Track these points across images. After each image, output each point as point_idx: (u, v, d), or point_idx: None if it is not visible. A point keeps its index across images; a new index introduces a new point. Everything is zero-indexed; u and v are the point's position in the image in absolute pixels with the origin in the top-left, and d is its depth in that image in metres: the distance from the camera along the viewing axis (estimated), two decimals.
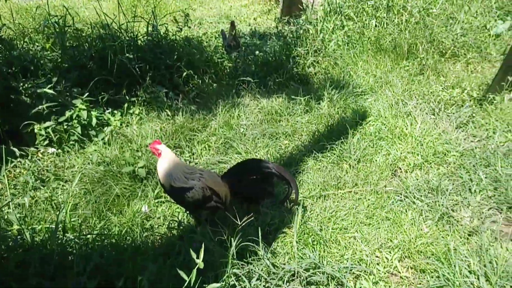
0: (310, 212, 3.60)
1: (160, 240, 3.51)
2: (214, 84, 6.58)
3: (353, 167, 4.24)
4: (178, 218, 3.73)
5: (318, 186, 3.93)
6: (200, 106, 5.84)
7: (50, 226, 3.36)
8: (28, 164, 4.45)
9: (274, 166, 3.35)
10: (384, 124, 4.87)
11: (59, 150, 4.78)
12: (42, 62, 5.92)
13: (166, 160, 3.39)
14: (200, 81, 6.49)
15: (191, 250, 2.50)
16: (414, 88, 5.58)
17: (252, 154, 4.59)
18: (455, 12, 6.84)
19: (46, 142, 4.76)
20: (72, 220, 3.60)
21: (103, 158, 4.51)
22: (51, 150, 4.77)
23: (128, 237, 3.47)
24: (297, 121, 5.22)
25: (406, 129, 4.75)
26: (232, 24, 8.04)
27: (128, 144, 4.79)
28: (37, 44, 6.70)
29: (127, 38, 6.40)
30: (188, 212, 3.71)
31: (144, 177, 4.28)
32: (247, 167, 3.51)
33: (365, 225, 3.44)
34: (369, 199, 3.75)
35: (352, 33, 6.73)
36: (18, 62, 5.62)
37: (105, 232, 3.45)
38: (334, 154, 4.39)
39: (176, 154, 4.61)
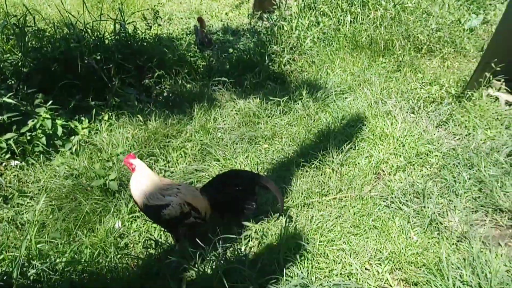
0: (295, 223, 3.44)
1: (136, 261, 3.27)
2: (188, 85, 6.30)
3: (336, 171, 4.10)
4: (154, 236, 3.50)
5: (302, 193, 3.77)
6: (173, 109, 5.57)
7: (14, 254, 3.06)
8: None
9: (255, 176, 3.16)
10: (365, 125, 4.76)
11: (23, 163, 4.44)
12: (1, 65, 5.52)
13: (140, 175, 3.15)
14: (172, 82, 6.21)
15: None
16: (392, 86, 5.49)
17: (231, 161, 4.38)
18: (430, 6, 6.80)
19: (8, 155, 4.39)
20: (38, 244, 3.31)
21: (71, 171, 4.21)
22: (14, 163, 4.42)
23: (101, 260, 3.21)
24: (276, 123, 5.04)
25: (387, 129, 4.65)
26: (200, 20, 7.75)
27: (98, 154, 4.50)
28: None
29: (93, 38, 6.04)
30: (165, 229, 3.48)
31: (116, 190, 4.02)
32: (227, 178, 3.30)
33: (353, 235, 3.31)
34: (354, 206, 3.63)
35: (328, 29, 6.58)
36: None
37: (76, 257, 3.18)
38: (316, 158, 4.23)
39: (150, 166, 4.37)
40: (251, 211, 3.32)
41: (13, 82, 5.12)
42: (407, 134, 4.52)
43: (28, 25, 5.98)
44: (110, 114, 5.26)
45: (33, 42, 6.00)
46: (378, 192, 3.82)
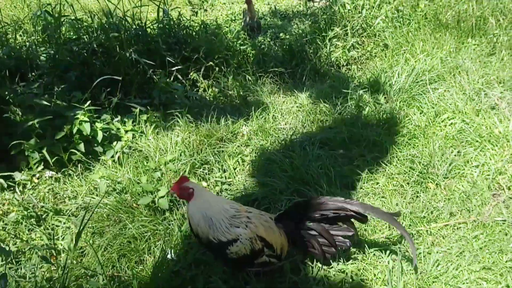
0: (402, 263, 2.60)
1: None
2: (239, 77, 5.51)
3: (440, 186, 3.21)
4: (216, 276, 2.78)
5: (403, 219, 2.91)
6: (225, 107, 4.82)
7: None
8: (19, 196, 3.51)
9: (356, 205, 2.34)
10: (466, 123, 3.80)
11: (59, 174, 3.83)
12: (35, 61, 4.96)
13: (200, 202, 2.42)
14: (222, 75, 5.45)
15: None
16: (490, 73, 4.47)
17: (301, 170, 3.57)
18: None
19: (41, 166, 3.80)
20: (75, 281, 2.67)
21: (114, 185, 3.55)
22: (48, 173, 3.82)
23: None
24: (350, 122, 4.17)
25: (496, 128, 3.69)
26: (249, 2, 6.87)
27: (144, 163, 3.82)
28: (28, 39, 5.69)
29: (134, 27, 5.37)
30: (230, 269, 2.74)
31: (166, 209, 3.33)
32: (312, 207, 2.50)
33: (485, 281, 2.43)
34: (476, 237, 2.74)
35: (404, 7, 5.57)
36: (6, 62, 4.66)
37: None
38: (413, 169, 3.35)
39: (204, 176, 3.65)
40: (344, 247, 2.52)
41: (45, 79, 4.53)
42: None
43: (64, 14, 5.37)
44: (156, 114, 4.57)
45: (70, 33, 5.41)
46: (504, 215, 2.90)
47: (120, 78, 4.69)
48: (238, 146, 4.06)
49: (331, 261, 2.61)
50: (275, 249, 2.50)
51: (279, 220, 2.57)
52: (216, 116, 4.48)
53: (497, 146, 3.51)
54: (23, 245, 3.17)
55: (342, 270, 2.58)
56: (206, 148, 4.02)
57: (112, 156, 3.96)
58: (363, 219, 2.38)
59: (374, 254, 2.69)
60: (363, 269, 2.57)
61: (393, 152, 3.62)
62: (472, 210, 2.95)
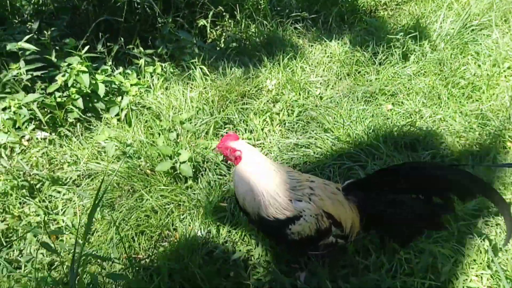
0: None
1: None
2: (253, 25, 4.80)
3: None
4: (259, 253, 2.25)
5: None
6: (243, 58, 4.15)
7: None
8: (6, 162, 2.87)
9: (461, 175, 1.77)
10: None
11: (53, 135, 3.20)
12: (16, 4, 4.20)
13: (249, 169, 1.84)
14: (234, 22, 4.73)
15: None
16: None
17: (348, 130, 3.00)
18: None
19: (32, 124, 3.16)
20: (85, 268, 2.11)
21: (123, 148, 2.94)
22: (40, 134, 3.19)
23: None
24: (395, 74, 3.57)
25: None
26: None
27: (157, 122, 3.19)
28: None
29: None
30: (287, 252, 2.19)
31: (190, 176, 2.75)
32: (399, 174, 1.91)
33: None
34: None
35: None
36: None
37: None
38: (483, 125, 2.81)
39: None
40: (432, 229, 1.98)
41: (31, 24, 3.79)
42: None
43: None
44: (163, 65, 3.90)
45: None
46: None
47: (121, 20, 3.97)
48: (266, 102, 3.44)
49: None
50: (344, 227, 1.96)
51: (348, 191, 2.01)
52: (235, 68, 3.84)
53: None
54: (14, 221, 2.58)
55: (421, 250, 2.06)
56: (228, 105, 3.41)
57: (117, 114, 3.32)
58: (469, 197, 1.81)
59: (460, 232, 2.17)
60: (456, 249, 2.05)
61: (455, 107, 3.05)
62: None
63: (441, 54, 3.62)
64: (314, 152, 2.92)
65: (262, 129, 3.24)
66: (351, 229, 1.99)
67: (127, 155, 2.89)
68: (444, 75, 3.41)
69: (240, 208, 1.93)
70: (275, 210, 1.82)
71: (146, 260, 2.34)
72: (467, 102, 3.10)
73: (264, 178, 1.84)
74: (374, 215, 1.96)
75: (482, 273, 1.93)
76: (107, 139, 2.90)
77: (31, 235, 2.46)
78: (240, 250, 2.30)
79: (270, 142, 3.11)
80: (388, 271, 2.05)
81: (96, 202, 1.71)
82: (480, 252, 2.01)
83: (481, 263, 1.97)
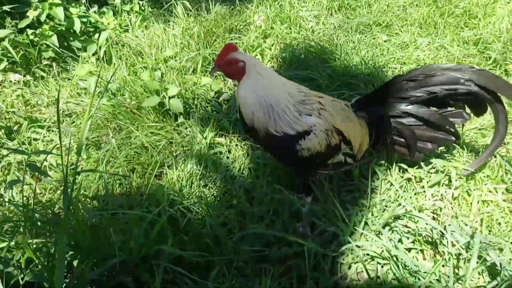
0: None
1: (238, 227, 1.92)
2: None
3: None
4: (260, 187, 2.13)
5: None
6: None
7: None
8: None
9: (484, 77, 1.66)
10: None
11: (27, 77, 2.93)
12: None
13: (255, 82, 1.68)
14: None
15: None
16: None
17: (346, 61, 2.87)
18: None
19: (5, 63, 2.88)
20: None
21: (105, 85, 2.72)
22: (13, 77, 2.91)
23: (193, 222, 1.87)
24: (388, 5, 3.42)
25: None
26: None
27: (139, 60, 2.97)
28: None
29: None
30: (295, 172, 2.07)
31: (181, 113, 2.57)
32: (410, 83, 1.79)
33: None
34: None
35: None
36: None
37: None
38: (482, 51, 2.72)
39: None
40: (446, 143, 1.88)
41: None
42: None
43: None
44: (141, 3, 3.62)
45: None
46: None
47: None
48: (255, 38, 3.24)
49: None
50: (353, 146, 1.85)
51: (358, 107, 1.89)
52: (219, 4, 3.60)
53: None
54: None
55: (432, 167, 1.98)
56: (215, 40, 3.20)
57: (96, 53, 3.07)
58: (487, 99, 1.70)
59: (470, 147, 2.11)
60: (468, 165, 1.97)
61: (452, 34, 2.94)
62: None
63: None
64: (311, 84, 2.78)
65: None
66: (360, 146, 1.88)
67: (110, 92, 2.67)
68: (438, 5, 3.28)
69: (247, 127, 1.77)
70: (284, 124, 1.68)
71: (140, 194, 2.18)
72: (464, 30, 2.99)
73: (272, 90, 1.69)
74: (383, 129, 1.85)
75: (496, 187, 1.87)
76: (87, 74, 2.66)
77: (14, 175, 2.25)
78: (242, 179, 2.17)
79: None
80: (396, 191, 1.97)
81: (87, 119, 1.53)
82: (493, 168, 1.95)
83: (495, 178, 1.91)
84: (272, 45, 3.14)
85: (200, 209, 2.00)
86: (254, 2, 3.60)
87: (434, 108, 1.80)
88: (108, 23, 3.19)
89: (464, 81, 1.67)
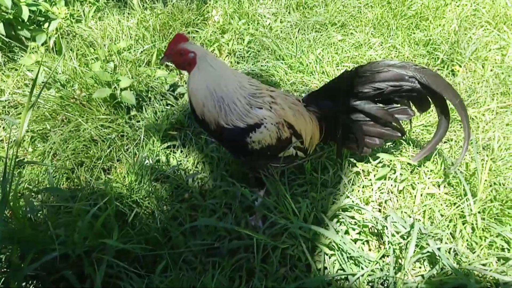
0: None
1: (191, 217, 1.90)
2: None
3: (469, 69, 2.74)
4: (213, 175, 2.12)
5: None
6: None
7: None
8: None
9: (429, 76, 1.72)
10: (477, 4, 3.32)
11: None
12: None
13: (205, 73, 1.66)
14: None
15: None
16: None
17: (300, 59, 2.90)
18: None
19: None
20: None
21: (54, 76, 2.61)
22: None
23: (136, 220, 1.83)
24: (344, 5, 3.50)
25: (507, 10, 3.26)
26: None
27: (91, 51, 2.87)
28: None
29: None
30: (246, 165, 2.07)
31: (133, 105, 2.51)
32: (359, 78, 1.83)
33: None
34: None
35: None
36: None
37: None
38: (432, 52, 2.83)
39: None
40: (394, 138, 1.94)
41: None
42: None
43: None
44: None
45: None
46: None
47: None
48: (213, 32, 3.22)
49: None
50: (304, 138, 1.87)
51: (309, 102, 1.91)
52: None
53: None
54: None
55: (384, 163, 2.03)
56: (171, 33, 3.15)
57: (45, 42, 2.94)
58: (431, 97, 1.76)
59: (415, 142, 2.19)
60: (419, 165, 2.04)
61: (404, 35, 3.04)
62: (510, 93, 2.52)
63: None
64: (267, 81, 2.79)
65: None
66: (310, 140, 1.91)
67: (59, 83, 2.57)
68: (392, 7, 3.38)
69: (197, 119, 1.75)
70: (235, 117, 1.68)
71: (90, 188, 2.11)
72: (415, 32, 3.10)
73: (223, 82, 1.68)
74: (332, 124, 1.89)
75: (439, 181, 1.95)
76: (34, 64, 2.54)
77: None
78: (195, 172, 2.15)
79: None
80: (345, 184, 2.01)
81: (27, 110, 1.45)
82: (436, 162, 2.03)
83: (437, 173, 1.99)
84: (230, 40, 3.13)
85: (149, 203, 1.96)
86: None
87: (381, 104, 1.85)
88: (59, 13, 3.06)
89: (408, 78, 1.72)
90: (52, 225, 1.61)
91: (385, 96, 1.80)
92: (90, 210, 1.65)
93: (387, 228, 1.62)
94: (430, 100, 1.79)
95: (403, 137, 1.93)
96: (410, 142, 2.19)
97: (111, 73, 2.56)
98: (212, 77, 1.66)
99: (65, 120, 2.45)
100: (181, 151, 2.35)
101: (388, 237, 1.61)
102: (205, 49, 1.73)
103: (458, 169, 1.83)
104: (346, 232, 1.77)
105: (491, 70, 2.71)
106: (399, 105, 1.86)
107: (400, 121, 1.86)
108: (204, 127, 1.76)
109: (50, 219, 1.67)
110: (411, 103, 1.86)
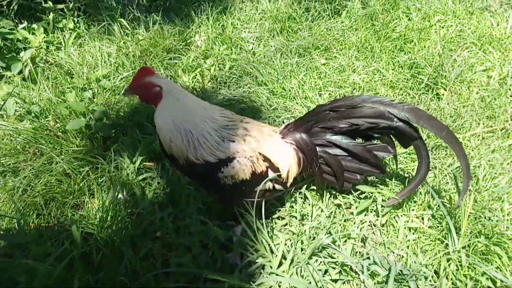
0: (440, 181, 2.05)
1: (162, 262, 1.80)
2: None
3: (455, 92, 2.68)
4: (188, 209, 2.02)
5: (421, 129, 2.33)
6: (167, 14, 3.81)
7: None
8: None
9: (406, 111, 1.63)
10: (462, 25, 3.29)
11: None
12: None
13: (172, 107, 1.59)
14: None
15: None
16: None
17: (283, 84, 2.84)
18: None
19: None
20: None
21: (28, 107, 2.54)
22: None
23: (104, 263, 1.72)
24: (327, 28, 3.46)
25: (493, 30, 3.23)
26: None
27: (67, 80, 2.81)
28: None
29: None
30: (220, 201, 1.98)
31: (108, 135, 2.43)
32: (338, 112, 1.75)
33: None
34: None
35: None
36: None
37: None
38: (416, 75, 2.78)
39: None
40: (374, 174, 1.85)
41: None
42: None
43: None
44: (76, 20, 3.46)
45: None
46: None
47: None
48: (195, 58, 3.17)
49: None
50: (281, 172, 1.79)
51: (287, 133, 1.84)
52: (158, 23, 3.50)
53: (498, 48, 3.05)
54: None
55: (367, 195, 1.95)
56: (152, 60, 3.09)
57: (21, 72, 2.88)
58: (410, 134, 1.66)
59: (399, 176, 2.10)
60: (395, 192, 1.96)
61: (388, 58, 2.99)
62: (495, 117, 2.46)
63: (372, 9, 3.55)
64: (248, 107, 2.73)
65: (193, 87, 2.98)
66: (288, 173, 1.82)
67: (32, 114, 2.49)
68: (376, 29, 3.35)
69: (166, 154, 1.67)
70: (205, 151, 1.60)
71: (59, 226, 2.01)
72: (399, 55, 3.06)
73: (191, 116, 1.60)
74: (311, 158, 1.80)
75: (422, 214, 1.86)
76: (6, 95, 2.47)
77: None
78: (168, 210, 2.05)
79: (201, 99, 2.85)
80: (327, 218, 1.92)
81: None
82: (420, 193, 1.94)
83: (421, 204, 1.91)
84: (212, 66, 3.07)
85: (120, 242, 1.85)
86: (196, 21, 3.53)
87: (360, 140, 1.78)
88: (34, 41, 3.00)
89: (386, 115, 1.65)
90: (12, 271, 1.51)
91: (363, 132, 1.73)
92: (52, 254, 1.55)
93: (363, 273, 1.52)
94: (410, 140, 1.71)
95: (383, 174, 1.83)
96: (392, 171, 2.11)
97: (87, 103, 2.48)
98: (179, 111, 1.59)
99: (37, 153, 2.36)
100: (158, 183, 2.26)
101: (364, 283, 1.52)
102: (172, 82, 1.66)
103: (441, 202, 1.74)
104: (326, 272, 1.67)
105: (477, 93, 2.65)
106: (379, 142, 1.78)
107: (380, 159, 1.78)
108: (173, 162, 1.67)
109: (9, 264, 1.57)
110: (393, 140, 1.78)
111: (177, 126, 1.57)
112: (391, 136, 1.77)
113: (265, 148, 1.72)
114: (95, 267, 1.72)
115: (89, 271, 1.68)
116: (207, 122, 1.62)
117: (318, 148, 1.81)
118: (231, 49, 3.26)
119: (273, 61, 3.05)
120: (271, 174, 1.76)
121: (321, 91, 2.78)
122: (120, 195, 2.15)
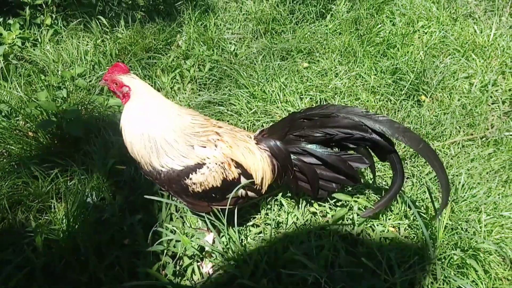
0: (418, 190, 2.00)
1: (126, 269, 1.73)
2: None
3: (436, 99, 2.66)
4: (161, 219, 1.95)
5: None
6: (149, 12, 3.73)
7: None
8: None
9: (382, 123, 1.57)
10: (446, 31, 3.27)
11: None
12: None
13: (139, 110, 1.52)
14: None
15: None
16: None
17: (264, 87, 2.78)
18: None
19: None
20: None
21: None
22: None
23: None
24: (311, 31, 3.42)
25: (476, 37, 3.21)
26: None
27: (41, 77, 2.71)
28: None
29: None
30: (189, 207, 1.91)
31: (80, 136, 2.34)
32: (314, 121, 1.69)
33: None
34: (493, 155, 2.23)
35: None
36: None
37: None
38: (397, 81, 2.75)
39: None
40: (349, 184, 1.79)
41: None
42: (509, 43, 3.11)
43: None
44: (53, 16, 3.36)
45: None
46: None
47: None
48: (175, 58, 3.10)
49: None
50: (254, 179, 1.72)
51: (261, 139, 1.77)
52: (138, 21, 3.42)
53: (481, 55, 3.04)
54: None
55: (343, 203, 1.90)
56: (130, 59, 3.01)
57: None
58: (385, 146, 1.60)
59: (375, 185, 2.06)
60: (371, 201, 1.91)
61: (370, 63, 2.96)
62: (476, 125, 2.43)
63: (356, 13, 3.51)
64: (228, 109, 2.66)
65: (172, 88, 2.90)
66: (262, 180, 1.76)
67: (3, 113, 2.39)
68: (360, 33, 3.31)
69: (132, 157, 1.60)
70: (171, 158, 1.53)
71: (23, 231, 1.92)
72: (382, 60, 3.02)
73: (158, 120, 1.54)
74: (286, 165, 1.75)
75: (399, 223, 1.82)
76: None
77: None
78: (139, 216, 1.97)
79: (180, 101, 2.79)
80: (302, 226, 1.86)
81: None
82: (397, 202, 1.90)
83: (397, 214, 1.86)
84: (192, 66, 3.00)
85: (85, 249, 1.77)
86: (177, 20, 3.46)
87: (336, 149, 1.72)
88: (11, 39, 2.90)
89: (361, 126, 1.59)
90: None
91: (338, 142, 1.68)
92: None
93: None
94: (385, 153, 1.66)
95: (358, 184, 1.78)
96: (370, 179, 2.07)
97: (60, 102, 2.40)
98: (145, 115, 1.52)
99: (5, 154, 2.27)
100: (132, 186, 2.18)
101: None
102: (143, 84, 1.58)
103: (418, 211, 1.70)
104: (298, 284, 1.62)
105: (458, 100, 2.63)
106: (354, 153, 1.73)
107: (355, 169, 1.72)
108: (139, 167, 1.60)
109: None
110: (370, 151, 1.73)
111: (140, 131, 1.50)
112: (367, 147, 1.71)
113: (238, 154, 1.66)
114: (56, 276, 1.63)
115: (50, 280, 1.59)
116: (175, 128, 1.55)
117: (292, 156, 1.75)
118: (213, 50, 3.19)
119: (255, 64, 2.99)
120: (244, 181, 1.70)
121: (302, 95, 2.73)
122: (89, 199, 2.07)
